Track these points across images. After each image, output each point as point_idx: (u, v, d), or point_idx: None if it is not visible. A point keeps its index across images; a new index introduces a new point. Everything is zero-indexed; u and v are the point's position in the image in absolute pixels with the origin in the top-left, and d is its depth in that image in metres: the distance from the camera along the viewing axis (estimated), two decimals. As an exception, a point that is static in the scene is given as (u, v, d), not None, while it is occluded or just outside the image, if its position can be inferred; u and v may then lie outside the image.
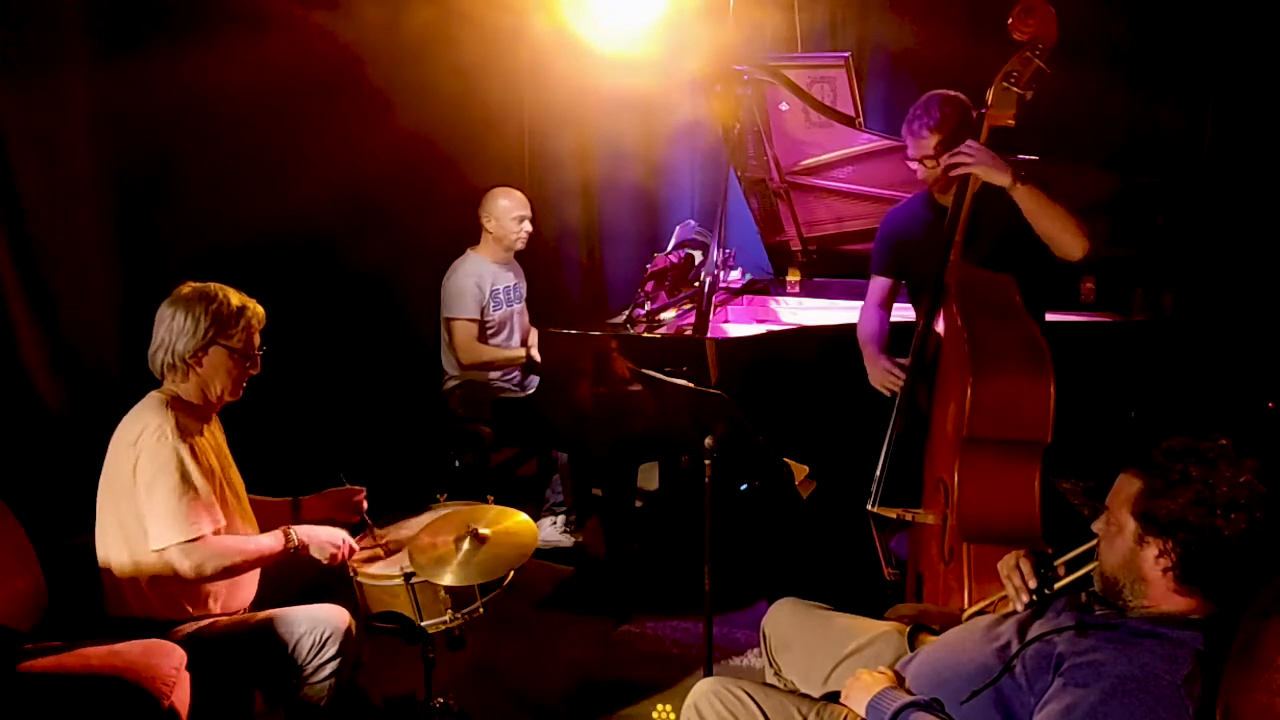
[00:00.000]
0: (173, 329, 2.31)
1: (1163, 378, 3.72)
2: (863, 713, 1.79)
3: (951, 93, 2.70)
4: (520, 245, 4.01)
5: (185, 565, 2.20)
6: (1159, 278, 3.87)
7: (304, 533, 2.39)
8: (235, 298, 2.38)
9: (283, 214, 3.63)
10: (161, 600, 2.29)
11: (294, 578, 2.55)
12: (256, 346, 2.42)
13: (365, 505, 2.65)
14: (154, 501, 2.20)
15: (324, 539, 2.41)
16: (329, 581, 2.53)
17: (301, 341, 3.76)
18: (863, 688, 1.82)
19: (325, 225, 3.89)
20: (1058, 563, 1.82)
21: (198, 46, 3.33)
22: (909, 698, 1.75)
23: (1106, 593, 1.67)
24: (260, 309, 2.44)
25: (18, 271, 2.97)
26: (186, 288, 2.37)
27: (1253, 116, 4.30)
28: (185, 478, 2.22)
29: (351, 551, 2.44)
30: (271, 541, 2.35)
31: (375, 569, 2.42)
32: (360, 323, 4.26)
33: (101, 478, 2.31)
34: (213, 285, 2.38)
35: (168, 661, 2.09)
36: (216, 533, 2.27)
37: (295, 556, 2.38)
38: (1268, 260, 4.09)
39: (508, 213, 3.93)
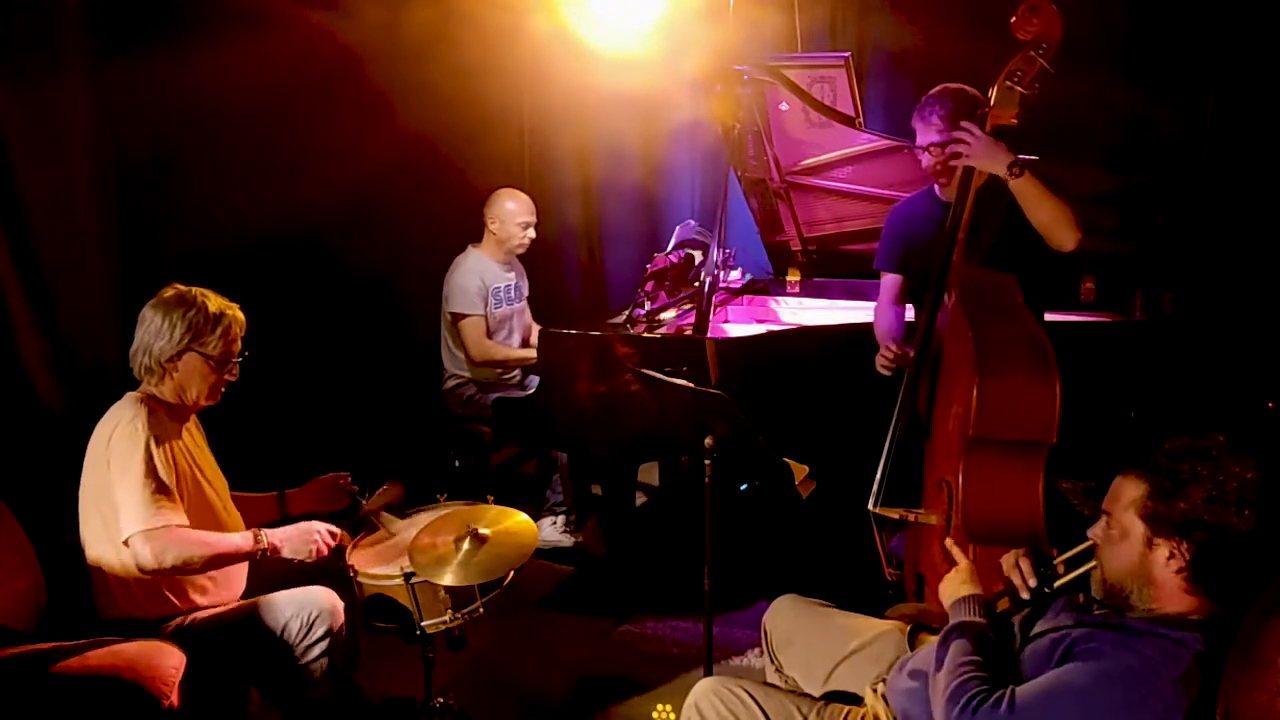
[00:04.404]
0: (150, 332, 2.32)
1: (1163, 378, 3.72)
2: (947, 604, 1.84)
3: (963, 86, 2.71)
4: (521, 250, 4.03)
5: (145, 553, 2.16)
6: (1159, 277, 3.88)
7: (277, 535, 2.34)
8: (214, 304, 2.36)
9: (282, 214, 3.63)
10: (149, 596, 2.29)
11: (286, 570, 2.52)
12: (235, 354, 2.40)
13: (356, 487, 2.63)
14: (122, 492, 2.19)
15: (298, 538, 2.35)
16: (327, 579, 2.52)
17: (301, 341, 3.78)
18: (958, 582, 1.85)
19: (325, 225, 3.90)
20: (1057, 561, 1.82)
21: (198, 46, 3.33)
22: (980, 621, 1.76)
23: (1109, 598, 1.67)
24: (241, 315, 2.42)
25: (18, 271, 2.97)
26: (169, 291, 2.36)
27: (1253, 116, 4.31)
28: (150, 471, 2.20)
29: (334, 538, 2.39)
30: (240, 541, 2.31)
31: (375, 569, 2.42)
32: (360, 322, 4.26)
33: (82, 477, 2.30)
34: (194, 290, 2.36)
35: (168, 661, 2.10)
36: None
37: (265, 559, 2.34)
38: (1268, 260, 4.09)
39: (513, 216, 3.94)
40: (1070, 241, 2.54)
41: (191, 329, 2.31)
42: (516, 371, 4.07)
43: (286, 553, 2.35)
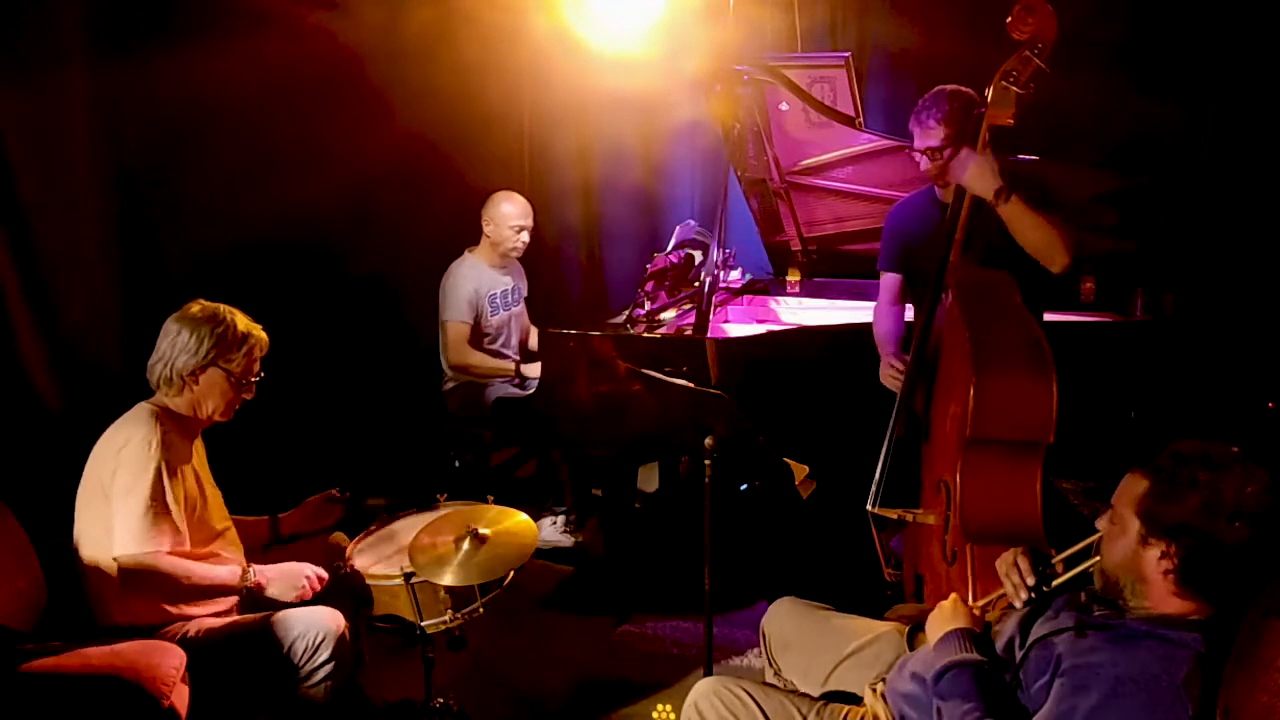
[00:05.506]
0: (175, 345, 2.34)
1: (1163, 378, 3.71)
2: (933, 640, 1.80)
3: (960, 87, 2.71)
4: (515, 254, 3.99)
5: (130, 577, 2.21)
6: (1160, 278, 3.87)
7: (265, 573, 2.36)
8: (242, 323, 2.40)
9: (283, 214, 3.63)
10: (142, 604, 2.29)
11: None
12: (254, 373, 2.43)
13: (347, 494, 2.65)
14: (124, 511, 2.20)
15: (286, 579, 2.37)
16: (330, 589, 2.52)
17: (301, 342, 3.77)
18: (944, 619, 1.81)
19: (325, 225, 3.90)
20: (1056, 560, 1.82)
21: (198, 46, 3.33)
22: (971, 657, 1.72)
23: (1106, 591, 1.67)
24: (265, 336, 2.45)
25: (18, 271, 2.97)
26: (196, 306, 2.39)
27: (1253, 116, 4.30)
28: (157, 495, 2.22)
29: (322, 582, 2.39)
30: (227, 575, 2.32)
31: (375, 569, 2.42)
32: (360, 323, 4.26)
33: (81, 483, 2.31)
34: (223, 308, 2.40)
35: (168, 661, 2.09)
36: (171, 553, 2.25)
37: (250, 595, 2.36)
38: (1268, 260, 4.09)
39: (507, 219, 3.91)
40: (1059, 264, 2.59)
41: (218, 344, 2.34)
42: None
43: (271, 592, 2.35)
